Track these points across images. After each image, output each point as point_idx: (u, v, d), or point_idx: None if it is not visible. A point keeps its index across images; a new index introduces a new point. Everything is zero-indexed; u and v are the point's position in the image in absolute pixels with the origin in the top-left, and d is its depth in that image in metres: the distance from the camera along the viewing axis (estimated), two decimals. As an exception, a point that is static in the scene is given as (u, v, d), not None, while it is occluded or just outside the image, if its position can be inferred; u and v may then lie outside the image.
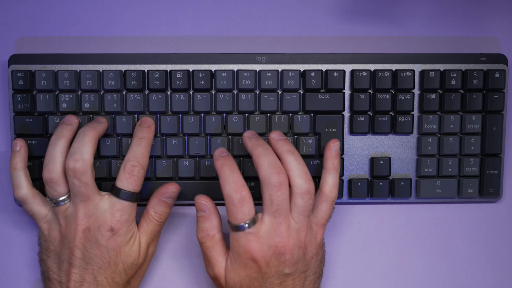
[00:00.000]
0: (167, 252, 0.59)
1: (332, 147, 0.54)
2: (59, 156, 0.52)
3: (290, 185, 0.51)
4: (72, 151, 0.51)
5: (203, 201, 0.53)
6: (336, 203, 0.59)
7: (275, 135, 0.54)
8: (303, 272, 0.51)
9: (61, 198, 0.52)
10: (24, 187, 0.54)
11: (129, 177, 0.52)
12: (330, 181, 0.53)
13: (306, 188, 0.50)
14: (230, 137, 0.57)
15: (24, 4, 0.58)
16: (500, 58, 0.57)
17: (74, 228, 0.51)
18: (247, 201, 0.50)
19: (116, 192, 0.52)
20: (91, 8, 0.58)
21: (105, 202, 0.52)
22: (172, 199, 0.55)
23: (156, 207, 0.54)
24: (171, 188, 0.55)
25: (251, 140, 0.53)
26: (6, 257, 0.59)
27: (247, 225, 0.50)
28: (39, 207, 0.54)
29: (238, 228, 0.50)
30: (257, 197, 0.55)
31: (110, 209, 0.52)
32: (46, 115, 0.56)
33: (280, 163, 0.51)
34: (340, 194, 0.58)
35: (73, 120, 0.55)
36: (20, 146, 0.54)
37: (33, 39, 0.58)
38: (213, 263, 0.53)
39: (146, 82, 0.57)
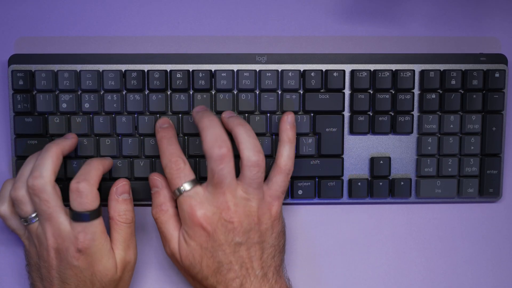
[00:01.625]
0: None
1: (286, 119, 0.54)
2: (25, 175, 0.51)
3: (240, 156, 0.51)
4: (33, 168, 0.51)
5: (156, 176, 0.53)
6: (336, 203, 0.59)
7: (226, 114, 0.54)
8: (258, 243, 0.51)
9: (29, 217, 0.51)
10: (5, 204, 0.53)
11: (76, 197, 0.50)
12: (284, 153, 0.53)
13: (254, 161, 0.50)
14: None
15: (24, 4, 0.58)
16: (500, 58, 0.57)
17: (46, 249, 0.51)
18: (183, 169, 0.51)
19: (72, 215, 0.50)
20: (91, 8, 0.58)
21: (67, 223, 0.51)
22: (128, 194, 0.54)
23: (117, 208, 0.53)
24: (121, 183, 0.54)
25: (198, 114, 0.53)
26: (3, 255, 0.59)
27: (184, 187, 0.50)
28: (18, 224, 0.53)
29: (179, 192, 0.51)
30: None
31: (73, 232, 0.50)
32: (46, 115, 0.56)
33: (225, 136, 0.50)
34: (340, 194, 0.58)
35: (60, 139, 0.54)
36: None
37: (33, 39, 0.58)
38: (168, 238, 0.52)
39: (146, 82, 0.57)
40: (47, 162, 0.51)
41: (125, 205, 0.53)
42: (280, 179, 0.53)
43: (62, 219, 0.51)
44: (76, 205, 0.50)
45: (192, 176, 0.51)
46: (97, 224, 0.51)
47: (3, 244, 0.59)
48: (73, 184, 0.50)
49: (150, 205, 0.56)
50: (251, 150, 0.50)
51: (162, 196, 0.53)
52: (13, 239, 0.59)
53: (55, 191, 0.51)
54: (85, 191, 0.50)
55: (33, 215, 0.51)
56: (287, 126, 0.54)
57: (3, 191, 0.54)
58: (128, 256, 0.54)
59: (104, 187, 0.56)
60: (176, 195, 0.51)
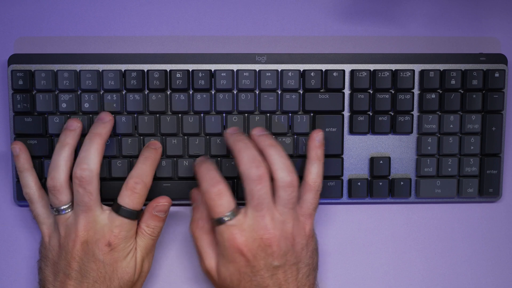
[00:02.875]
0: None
1: (316, 137, 0.54)
2: (62, 165, 0.52)
3: (273, 179, 0.51)
4: (79, 160, 0.52)
5: (195, 192, 0.54)
6: (336, 203, 0.59)
7: (256, 131, 0.54)
8: (294, 264, 0.51)
9: (63, 207, 0.52)
10: (31, 187, 0.54)
11: (131, 194, 0.52)
12: (313, 171, 0.53)
13: (289, 181, 0.51)
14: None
15: (23, 4, 0.58)
16: (500, 58, 0.57)
17: (73, 240, 0.51)
18: (224, 194, 0.51)
19: (116, 208, 0.52)
20: (91, 8, 0.59)
21: (105, 217, 0.52)
22: (164, 213, 0.55)
23: (148, 222, 0.54)
24: (162, 202, 0.54)
25: (232, 136, 0.53)
26: (6, 261, 0.59)
27: (227, 217, 0.50)
28: (43, 209, 0.54)
29: (219, 222, 0.50)
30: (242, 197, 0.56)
31: (109, 224, 0.51)
32: (45, 115, 0.56)
33: (261, 157, 0.51)
34: (339, 194, 0.58)
35: (75, 125, 0.54)
36: (19, 149, 0.54)
37: (32, 39, 0.58)
38: (203, 255, 0.53)
39: (146, 82, 0.57)
40: (94, 155, 0.52)
41: (157, 222, 0.54)
42: (310, 197, 0.53)
43: (98, 212, 0.52)
44: (127, 202, 0.52)
45: (233, 204, 0.51)
46: (135, 225, 0.53)
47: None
48: (132, 183, 0.52)
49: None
50: (285, 171, 0.51)
51: (199, 212, 0.54)
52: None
53: (99, 184, 0.52)
54: (141, 192, 0.52)
55: (67, 205, 0.52)
56: (316, 144, 0.54)
57: (24, 178, 0.54)
58: (144, 264, 0.55)
59: (105, 187, 0.56)
60: (215, 223, 0.51)
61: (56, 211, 0.52)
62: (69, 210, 0.52)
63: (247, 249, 0.50)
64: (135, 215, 0.52)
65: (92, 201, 0.51)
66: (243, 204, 0.52)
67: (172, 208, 0.59)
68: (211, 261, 0.53)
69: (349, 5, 0.59)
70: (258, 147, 0.53)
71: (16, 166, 0.55)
